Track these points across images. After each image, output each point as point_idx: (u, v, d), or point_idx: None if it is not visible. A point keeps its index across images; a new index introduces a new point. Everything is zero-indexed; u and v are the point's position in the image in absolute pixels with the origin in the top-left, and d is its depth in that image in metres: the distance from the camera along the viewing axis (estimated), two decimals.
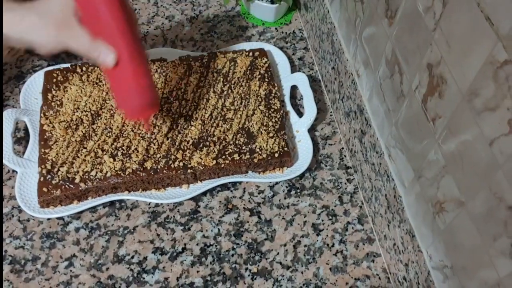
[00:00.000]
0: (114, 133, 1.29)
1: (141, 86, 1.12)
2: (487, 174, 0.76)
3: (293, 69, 1.56)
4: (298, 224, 1.28)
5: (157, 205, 1.28)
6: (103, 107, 1.33)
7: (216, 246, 1.24)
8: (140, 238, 1.24)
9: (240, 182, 1.33)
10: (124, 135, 1.28)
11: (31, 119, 1.32)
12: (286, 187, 1.33)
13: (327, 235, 1.26)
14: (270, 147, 1.29)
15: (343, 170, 1.37)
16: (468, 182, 0.83)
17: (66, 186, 1.21)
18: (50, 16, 1.03)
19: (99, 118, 1.31)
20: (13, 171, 1.30)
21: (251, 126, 1.33)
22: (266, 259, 1.23)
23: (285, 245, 1.25)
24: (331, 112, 1.48)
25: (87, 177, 1.22)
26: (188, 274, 1.20)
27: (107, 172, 1.23)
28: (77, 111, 1.31)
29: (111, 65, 1.07)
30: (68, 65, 1.41)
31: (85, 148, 1.26)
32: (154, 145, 1.27)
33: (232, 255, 1.23)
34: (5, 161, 1.24)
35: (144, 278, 1.19)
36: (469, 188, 0.82)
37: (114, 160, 1.24)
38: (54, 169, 1.22)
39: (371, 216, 1.28)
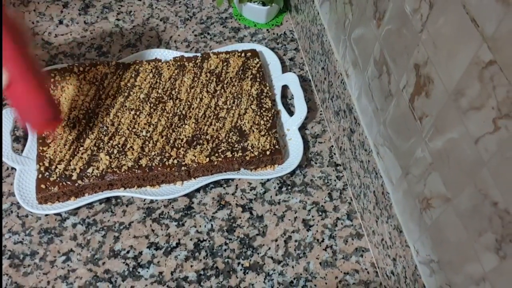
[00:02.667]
0: (110, 131, 1.28)
1: (37, 104, 1.15)
2: (472, 171, 0.76)
3: (284, 69, 1.56)
4: (289, 220, 1.28)
5: (152, 201, 1.28)
6: (99, 106, 1.32)
7: (209, 241, 1.23)
8: (135, 233, 1.23)
9: (232, 179, 1.33)
10: (120, 134, 1.28)
11: None
12: (277, 184, 1.33)
13: (317, 231, 1.26)
14: (261, 145, 1.29)
15: (333, 168, 1.37)
16: (454, 179, 0.82)
17: (64, 183, 1.20)
18: None
19: (96, 116, 1.30)
20: (12, 168, 1.29)
21: (243, 125, 1.32)
22: (258, 254, 1.22)
23: (276, 240, 1.25)
24: (321, 111, 1.48)
25: (83, 174, 1.22)
26: (182, 268, 1.19)
27: (103, 169, 1.22)
28: (74, 110, 1.31)
29: (3, 86, 1.06)
30: (65, 65, 1.40)
31: (82, 146, 1.25)
32: (149, 143, 1.27)
33: (225, 250, 1.22)
34: (4, 159, 1.24)
35: (139, 272, 1.18)
36: (455, 185, 0.82)
37: (110, 157, 1.24)
38: (52, 166, 1.22)
39: (359, 212, 1.28)
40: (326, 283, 1.20)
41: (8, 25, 1.00)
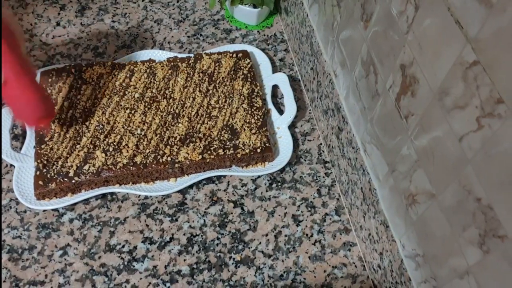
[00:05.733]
0: (106, 129, 1.28)
1: (31, 101, 1.15)
2: (456, 168, 0.76)
3: (274, 69, 1.55)
4: (279, 215, 1.27)
5: (146, 197, 1.27)
6: (95, 105, 1.32)
7: (201, 236, 1.23)
8: (130, 228, 1.23)
9: (224, 176, 1.32)
10: (115, 132, 1.27)
11: None
12: (268, 180, 1.33)
13: (306, 226, 1.26)
14: (252, 142, 1.29)
15: (321, 165, 1.37)
16: (439, 175, 0.82)
17: (61, 179, 1.20)
18: None
19: (92, 115, 1.30)
20: (11, 165, 1.29)
21: (234, 123, 1.32)
22: (249, 248, 1.22)
23: (266, 235, 1.24)
24: (310, 110, 1.48)
25: (80, 171, 1.21)
26: (175, 262, 1.19)
27: (99, 166, 1.22)
28: (71, 109, 1.30)
29: None
30: (62, 65, 1.39)
31: (79, 143, 1.25)
32: (144, 141, 1.27)
33: (217, 245, 1.22)
34: (3, 156, 1.23)
35: (134, 266, 1.18)
36: (439, 182, 0.82)
37: (106, 155, 1.24)
38: (50, 163, 1.21)
39: (347, 208, 1.28)
40: (315, 277, 1.19)
41: (1, 25, 1.00)
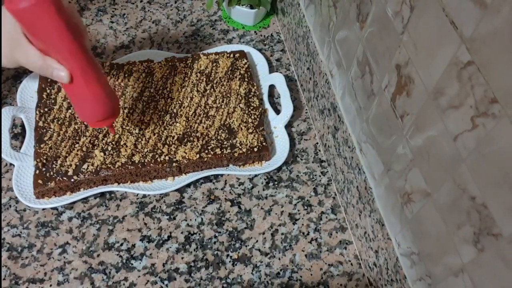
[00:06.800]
0: (105, 129, 1.27)
1: (97, 98, 1.09)
2: (451, 167, 0.76)
3: (271, 69, 1.55)
4: (276, 213, 1.27)
5: (144, 196, 1.27)
6: None
7: (199, 234, 1.23)
8: (128, 226, 1.23)
9: (221, 175, 1.32)
10: None
11: (27, 116, 1.30)
12: (265, 179, 1.33)
13: (302, 224, 1.26)
14: (249, 142, 1.29)
15: (318, 164, 1.37)
16: (433, 174, 0.82)
17: (60, 178, 1.20)
18: (4, 32, 0.98)
19: None
20: (11, 164, 1.28)
21: (232, 123, 1.32)
22: (246, 246, 1.22)
23: (263, 233, 1.24)
24: (306, 109, 1.48)
25: (79, 170, 1.21)
26: (173, 260, 1.19)
27: (98, 165, 1.22)
28: (70, 109, 1.30)
29: (66, 82, 1.02)
30: None
31: (78, 143, 1.24)
32: (142, 140, 1.26)
33: (214, 243, 1.22)
34: (3, 155, 1.23)
35: (132, 264, 1.18)
36: (434, 180, 0.82)
37: (105, 154, 1.23)
38: (49, 162, 1.21)
39: (343, 206, 1.28)
40: (311, 274, 1.19)
41: (65, 19, 0.94)
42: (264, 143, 1.30)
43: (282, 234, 1.24)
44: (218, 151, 1.27)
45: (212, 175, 1.31)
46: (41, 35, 0.96)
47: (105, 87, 1.09)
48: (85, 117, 1.14)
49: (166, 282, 1.16)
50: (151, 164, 1.23)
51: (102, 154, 1.23)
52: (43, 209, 1.23)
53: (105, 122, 1.15)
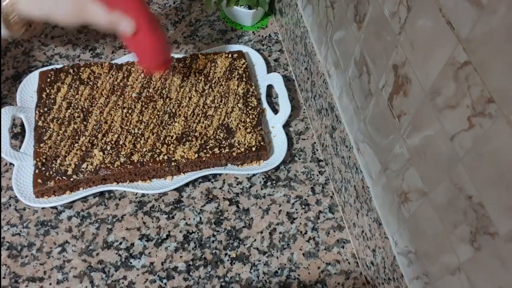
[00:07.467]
0: (104, 128, 1.27)
1: (157, 47, 1.20)
2: (448, 166, 0.76)
3: (269, 69, 1.55)
4: (274, 213, 1.27)
5: (143, 195, 1.27)
6: (93, 105, 1.31)
7: (198, 233, 1.23)
8: (127, 225, 1.23)
9: (220, 174, 1.32)
10: (113, 131, 1.27)
11: (27, 115, 1.30)
12: (263, 178, 1.33)
13: (300, 223, 1.26)
14: (247, 141, 1.29)
15: (315, 163, 1.36)
16: (430, 174, 0.82)
17: (59, 177, 1.20)
18: None
19: (90, 115, 1.30)
20: (11, 164, 1.28)
21: (230, 122, 1.32)
22: (244, 245, 1.22)
23: (261, 232, 1.24)
24: (304, 109, 1.48)
25: (78, 169, 1.21)
26: (172, 259, 1.19)
27: (97, 165, 1.22)
28: (69, 109, 1.30)
29: (132, 32, 1.12)
30: (61, 65, 1.39)
31: (77, 142, 1.24)
32: (141, 139, 1.26)
33: (213, 242, 1.22)
34: (3, 155, 1.23)
35: (131, 263, 1.18)
36: (431, 180, 0.82)
37: (104, 153, 1.23)
38: (48, 162, 1.21)
39: (341, 206, 1.28)
40: (309, 273, 1.19)
41: None
42: (262, 143, 1.30)
43: (280, 233, 1.24)
44: (216, 150, 1.27)
45: (210, 174, 1.31)
46: None
47: (162, 39, 1.22)
48: (143, 63, 1.27)
49: (164, 280, 1.16)
50: (150, 164, 1.23)
51: (101, 153, 1.23)
52: (43, 208, 1.23)
53: (159, 68, 1.30)
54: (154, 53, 1.21)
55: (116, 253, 1.19)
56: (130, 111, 1.31)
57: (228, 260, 1.20)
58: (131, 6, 1.10)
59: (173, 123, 1.30)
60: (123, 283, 1.15)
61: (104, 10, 1.08)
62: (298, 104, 1.49)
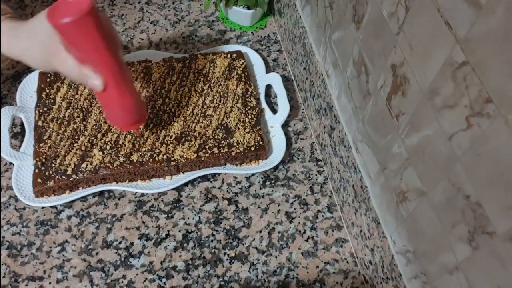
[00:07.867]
0: (103, 128, 1.27)
1: (127, 106, 1.14)
2: (446, 166, 0.76)
3: (268, 69, 1.55)
4: (273, 212, 1.27)
5: (142, 194, 1.27)
6: (93, 105, 1.31)
7: (197, 232, 1.23)
8: (127, 225, 1.23)
9: (219, 174, 1.32)
10: (112, 131, 1.27)
11: (27, 115, 1.30)
12: (262, 178, 1.33)
13: (299, 223, 1.26)
14: (246, 141, 1.29)
15: (314, 163, 1.36)
16: (429, 173, 0.82)
17: (59, 177, 1.19)
18: (38, 41, 1.01)
19: (89, 114, 1.29)
20: (10, 163, 1.28)
21: (229, 122, 1.32)
22: (243, 244, 1.22)
23: (260, 231, 1.24)
24: (303, 109, 1.48)
25: (78, 169, 1.21)
26: (171, 258, 1.19)
27: (96, 164, 1.21)
28: (69, 108, 1.30)
29: (100, 90, 1.06)
30: None
31: (76, 142, 1.24)
32: (140, 139, 1.26)
33: (212, 241, 1.22)
34: (2, 154, 1.23)
35: (130, 262, 1.18)
36: (430, 179, 0.82)
37: (103, 153, 1.23)
38: (48, 161, 1.21)
39: (339, 205, 1.28)
40: (307, 272, 1.19)
41: (103, 33, 0.98)
42: (261, 143, 1.30)
43: (279, 232, 1.24)
44: (215, 150, 1.27)
45: (209, 174, 1.31)
46: (79, 47, 0.99)
47: (135, 96, 1.15)
48: (115, 122, 1.19)
49: (164, 280, 1.16)
50: (149, 163, 1.23)
51: (100, 153, 1.23)
52: (42, 207, 1.23)
53: (133, 126, 1.20)
54: (122, 112, 1.16)
55: (116, 253, 1.19)
56: None
57: (227, 260, 1.19)
58: (104, 61, 1.03)
59: (172, 123, 1.30)
60: (122, 282, 1.15)
61: (75, 64, 1.02)
62: (297, 104, 1.49)
